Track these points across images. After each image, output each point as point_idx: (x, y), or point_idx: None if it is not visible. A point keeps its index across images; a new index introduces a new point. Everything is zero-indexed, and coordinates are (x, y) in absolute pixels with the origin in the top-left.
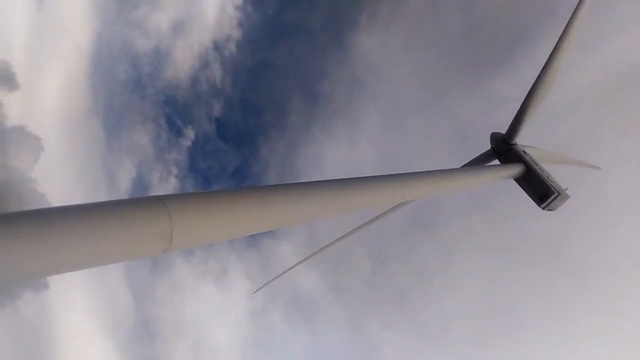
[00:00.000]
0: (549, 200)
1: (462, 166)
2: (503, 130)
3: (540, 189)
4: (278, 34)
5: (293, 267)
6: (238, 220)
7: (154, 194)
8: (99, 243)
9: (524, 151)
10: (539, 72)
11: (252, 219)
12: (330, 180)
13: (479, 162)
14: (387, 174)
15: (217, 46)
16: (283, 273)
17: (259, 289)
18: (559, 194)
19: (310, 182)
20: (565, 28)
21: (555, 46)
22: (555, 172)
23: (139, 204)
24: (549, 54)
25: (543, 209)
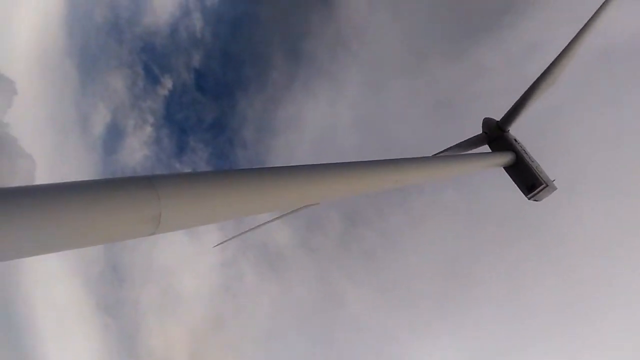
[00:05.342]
0: (536, 191)
1: (453, 146)
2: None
3: (528, 179)
4: None
5: (260, 225)
6: (227, 203)
7: (142, 175)
8: (83, 225)
9: (515, 139)
10: (546, 67)
11: (240, 203)
12: (322, 164)
13: (470, 143)
14: (379, 159)
15: None
16: (249, 230)
17: (221, 243)
18: (547, 185)
19: (301, 165)
20: (582, 29)
21: (569, 44)
22: (543, 164)
23: (127, 184)
24: (561, 50)
25: (529, 199)
